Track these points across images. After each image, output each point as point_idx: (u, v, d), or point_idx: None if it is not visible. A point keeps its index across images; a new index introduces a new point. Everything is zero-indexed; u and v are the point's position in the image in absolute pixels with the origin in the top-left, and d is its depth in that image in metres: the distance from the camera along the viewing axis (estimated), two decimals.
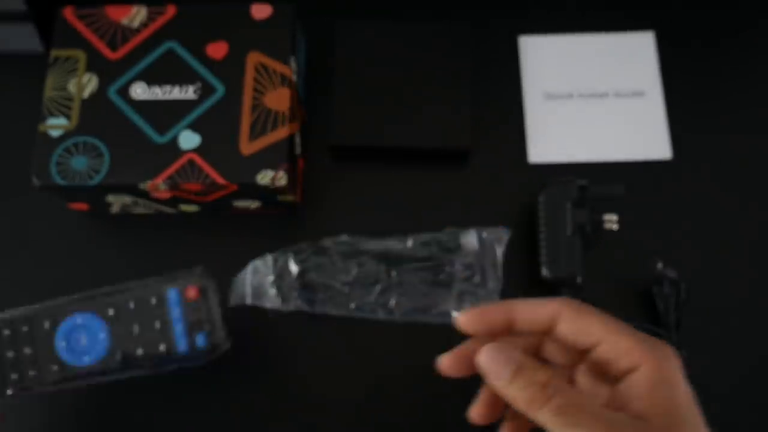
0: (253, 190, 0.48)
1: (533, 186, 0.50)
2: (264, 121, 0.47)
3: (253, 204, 0.51)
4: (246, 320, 0.48)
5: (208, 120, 0.48)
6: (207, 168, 0.47)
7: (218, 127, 0.47)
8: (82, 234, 0.53)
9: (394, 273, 0.48)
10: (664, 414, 0.28)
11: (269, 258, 0.50)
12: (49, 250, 0.52)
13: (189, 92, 0.48)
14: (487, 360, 0.30)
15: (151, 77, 0.48)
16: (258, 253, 0.50)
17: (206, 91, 0.48)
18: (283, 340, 0.50)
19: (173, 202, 0.50)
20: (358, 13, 0.57)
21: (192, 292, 0.41)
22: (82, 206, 0.52)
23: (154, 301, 0.40)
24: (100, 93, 0.48)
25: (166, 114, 0.48)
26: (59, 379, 0.40)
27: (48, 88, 0.49)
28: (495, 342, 0.31)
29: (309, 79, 0.55)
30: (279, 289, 0.49)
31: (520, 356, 0.30)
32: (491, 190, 0.53)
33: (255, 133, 0.47)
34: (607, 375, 0.31)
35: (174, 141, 0.47)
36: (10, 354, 0.39)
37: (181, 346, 0.40)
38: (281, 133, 0.47)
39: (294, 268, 0.49)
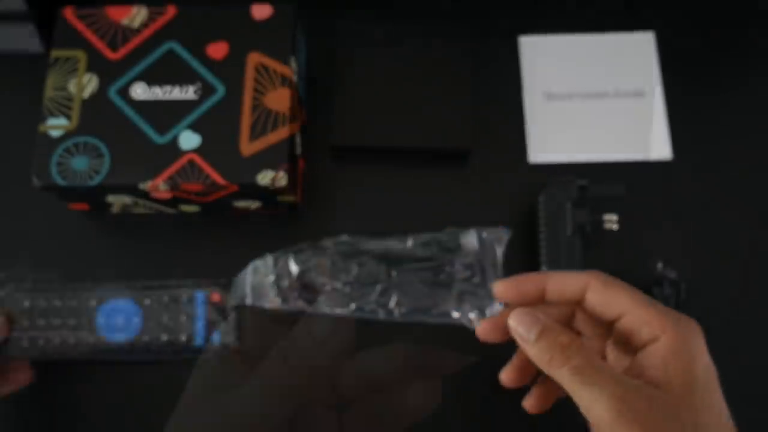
0: (253, 191, 0.48)
1: (533, 186, 0.50)
2: (264, 121, 0.47)
3: (254, 204, 0.51)
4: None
5: (209, 120, 0.48)
6: (207, 168, 0.47)
7: (218, 128, 0.47)
8: (82, 234, 0.53)
9: (394, 273, 0.48)
10: (680, 384, 0.28)
11: (269, 258, 0.49)
12: (49, 250, 0.52)
13: (189, 92, 0.48)
14: (516, 321, 0.32)
15: (151, 77, 0.48)
16: (258, 254, 0.50)
17: (206, 91, 0.48)
18: None
19: (173, 202, 0.50)
20: (358, 13, 0.57)
21: (216, 297, 0.47)
22: (82, 206, 0.52)
23: (184, 298, 0.47)
24: (100, 93, 0.48)
25: (167, 114, 0.48)
26: (92, 350, 0.46)
27: (48, 89, 0.49)
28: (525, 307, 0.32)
29: (309, 79, 0.55)
30: (279, 289, 0.49)
31: (546, 319, 0.31)
32: (491, 190, 0.53)
33: (255, 133, 0.47)
34: (631, 346, 0.32)
35: (174, 141, 0.47)
36: (57, 321, 0.46)
37: (199, 339, 0.47)
38: (281, 133, 0.47)
39: (294, 268, 0.49)
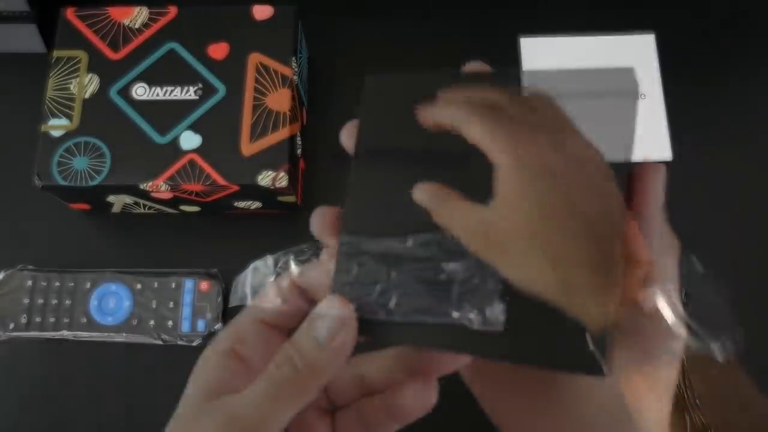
0: (253, 191, 0.48)
1: None
2: (265, 121, 0.47)
3: (254, 204, 0.51)
4: None
5: (209, 120, 0.48)
6: (208, 168, 0.47)
7: (219, 128, 0.47)
8: (82, 234, 0.53)
9: (394, 273, 0.48)
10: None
11: (269, 259, 0.49)
12: (50, 250, 0.52)
13: (190, 93, 0.48)
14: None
15: (152, 78, 0.49)
16: (258, 254, 0.49)
17: (207, 91, 0.48)
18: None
19: (174, 202, 0.50)
20: (358, 13, 0.57)
21: (204, 286, 0.49)
22: (82, 206, 0.52)
23: (173, 285, 0.49)
24: (101, 93, 0.48)
25: (167, 114, 0.48)
26: (84, 330, 0.49)
27: (49, 89, 0.49)
28: None
29: (310, 79, 0.56)
30: (279, 289, 0.49)
31: None
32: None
33: (256, 133, 0.47)
34: None
35: (175, 141, 0.47)
36: (54, 301, 0.49)
37: (185, 325, 0.49)
38: (282, 133, 0.47)
39: (294, 268, 0.49)
